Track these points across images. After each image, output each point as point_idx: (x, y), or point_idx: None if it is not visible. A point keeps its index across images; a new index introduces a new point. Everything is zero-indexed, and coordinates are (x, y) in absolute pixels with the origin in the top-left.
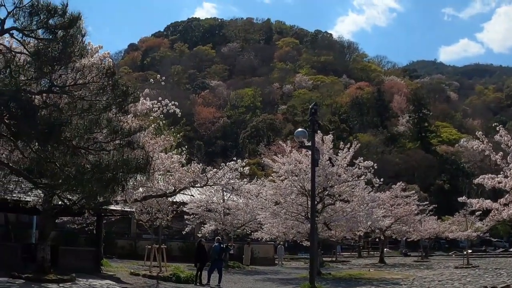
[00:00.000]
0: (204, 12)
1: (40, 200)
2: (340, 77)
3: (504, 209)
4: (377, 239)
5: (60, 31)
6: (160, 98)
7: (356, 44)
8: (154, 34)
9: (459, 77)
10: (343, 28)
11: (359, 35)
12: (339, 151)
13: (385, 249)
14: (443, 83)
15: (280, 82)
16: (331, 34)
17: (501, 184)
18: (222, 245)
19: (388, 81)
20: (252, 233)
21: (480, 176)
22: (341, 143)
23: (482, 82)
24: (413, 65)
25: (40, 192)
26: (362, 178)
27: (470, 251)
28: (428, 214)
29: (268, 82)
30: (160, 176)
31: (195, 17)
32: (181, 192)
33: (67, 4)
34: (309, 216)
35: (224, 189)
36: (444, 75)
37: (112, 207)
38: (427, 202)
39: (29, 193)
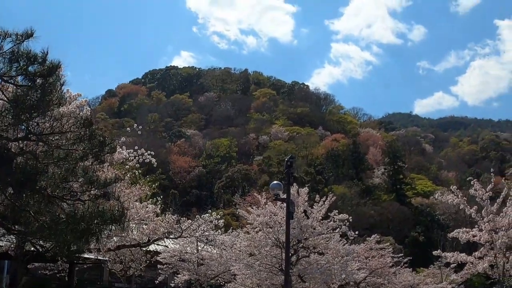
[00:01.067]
0: (182, 60)
1: (12, 246)
2: (316, 129)
3: (479, 262)
4: None
5: (39, 79)
6: (136, 147)
7: (332, 96)
8: (132, 81)
9: (434, 130)
10: (319, 80)
11: (336, 87)
12: (314, 203)
13: None
14: (419, 135)
15: (256, 133)
16: (307, 86)
17: (475, 237)
18: None
19: (364, 133)
20: (226, 284)
21: (455, 230)
22: (317, 195)
23: (457, 134)
24: (388, 117)
25: (13, 237)
26: (337, 231)
27: None
28: (403, 266)
29: (244, 133)
30: (134, 225)
31: (173, 65)
32: (155, 242)
33: (47, 52)
34: (283, 268)
35: (198, 239)
36: (420, 128)
37: (85, 255)
38: (402, 254)
39: (2, 238)
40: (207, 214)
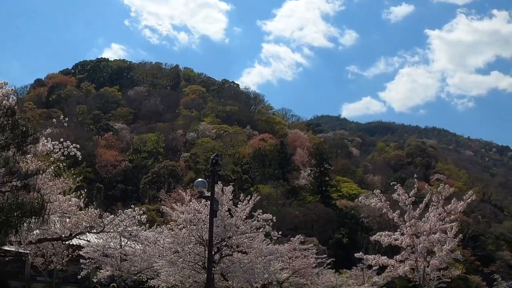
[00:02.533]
0: (112, 53)
1: None
2: (244, 128)
3: (400, 266)
4: None
5: None
6: (62, 139)
7: (261, 95)
8: (62, 71)
9: (362, 134)
10: (249, 79)
11: (265, 87)
12: (239, 202)
13: None
14: (346, 138)
15: (184, 129)
16: (238, 85)
17: (397, 241)
18: None
19: (292, 134)
20: (149, 280)
21: (377, 233)
22: (241, 194)
23: (384, 139)
24: (317, 119)
25: None
26: (260, 230)
27: None
28: (326, 267)
29: (172, 129)
30: (57, 219)
31: (104, 58)
32: (77, 236)
33: None
34: (206, 266)
35: (122, 234)
36: (347, 131)
37: (6, 247)
38: (326, 255)
39: None
40: (130, 209)
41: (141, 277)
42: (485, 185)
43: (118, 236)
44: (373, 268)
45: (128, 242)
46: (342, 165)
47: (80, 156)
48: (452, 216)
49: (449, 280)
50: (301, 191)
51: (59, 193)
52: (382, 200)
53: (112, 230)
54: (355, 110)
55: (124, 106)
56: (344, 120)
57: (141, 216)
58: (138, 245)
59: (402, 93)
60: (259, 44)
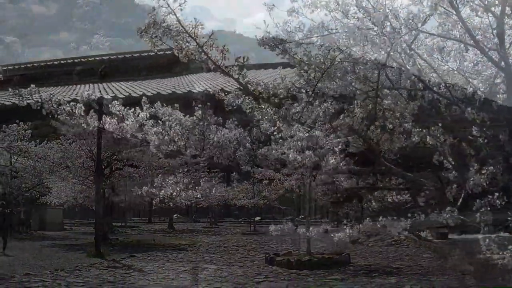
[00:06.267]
0: None
1: None
2: None
3: (286, 179)
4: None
5: None
6: None
7: None
8: None
9: None
10: None
11: None
12: None
13: (175, 215)
14: None
15: None
16: None
17: (284, 155)
18: (6, 210)
19: None
20: (41, 197)
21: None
22: None
23: None
24: None
25: None
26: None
27: (258, 218)
28: (217, 182)
29: None
30: None
31: None
32: None
33: None
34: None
35: (12, 151)
36: None
37: None
38: (217, 170)
39: None
40: (15, 124)
41: (32, 194)
42: None
43: (7, 153)
44: (264, 182)
45: (18, 159)
46: None
47: None
48: None
49: None
50: None
51: None
52: None
53: None
54: None
55: None
56: None
57: (26, 131)
58: (28, 161)
59: None
60: None
